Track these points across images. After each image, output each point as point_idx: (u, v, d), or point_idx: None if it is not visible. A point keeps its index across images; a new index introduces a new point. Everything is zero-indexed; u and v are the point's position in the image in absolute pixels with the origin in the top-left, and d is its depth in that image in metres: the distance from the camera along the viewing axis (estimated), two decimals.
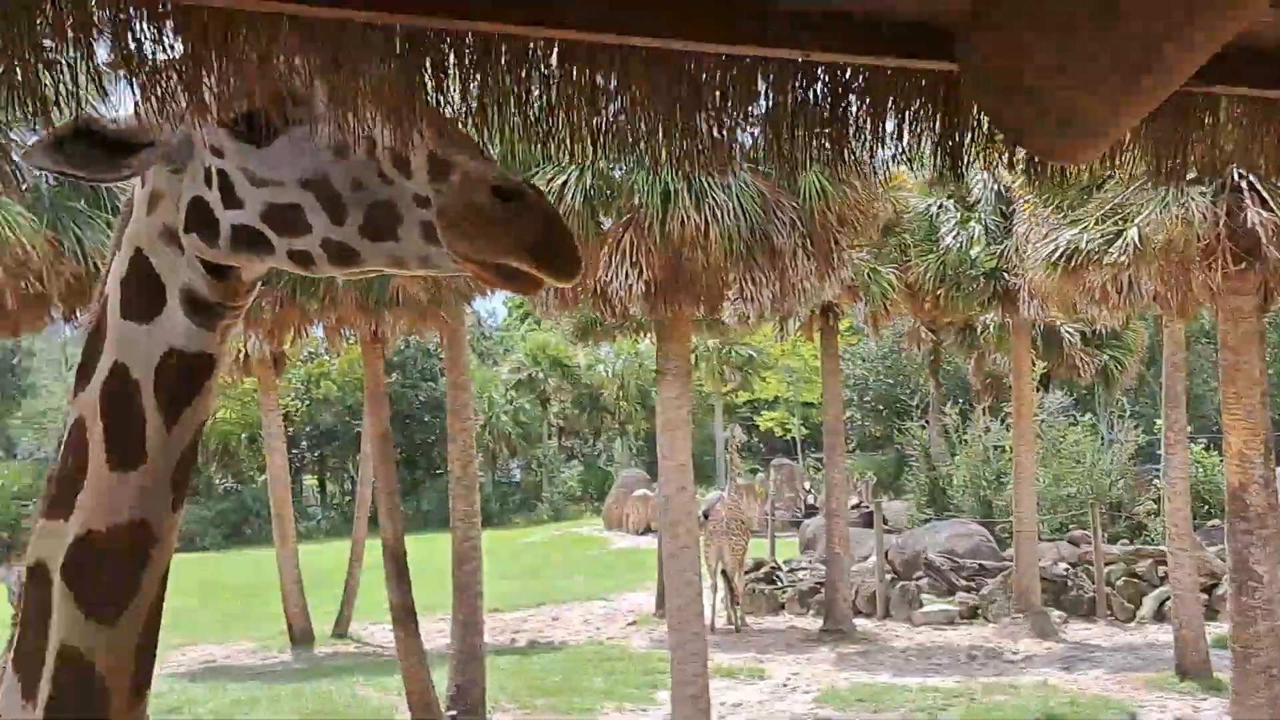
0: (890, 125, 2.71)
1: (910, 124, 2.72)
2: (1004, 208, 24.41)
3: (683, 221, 14.09)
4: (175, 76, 2.41)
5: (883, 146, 2.77)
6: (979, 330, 31.35)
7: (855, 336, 51.68)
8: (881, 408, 59.47)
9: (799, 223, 14.90)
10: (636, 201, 14.39)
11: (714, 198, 14.24)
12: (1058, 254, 14.21)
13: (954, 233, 25.11)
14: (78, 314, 15.25)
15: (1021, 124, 2.34)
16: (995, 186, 24.55)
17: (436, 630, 23.60)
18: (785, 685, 22.34)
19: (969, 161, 2.80)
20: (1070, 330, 28.78)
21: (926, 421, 43.41)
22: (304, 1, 2.35)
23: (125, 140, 2.54)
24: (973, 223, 25.06)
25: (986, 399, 36.23)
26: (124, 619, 2.73)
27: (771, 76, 2.57)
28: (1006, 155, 2.69)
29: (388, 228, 2.38)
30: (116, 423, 2.71)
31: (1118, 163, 2.84)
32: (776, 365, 59.65)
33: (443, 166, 2.32)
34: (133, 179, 2.63)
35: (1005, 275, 24.19)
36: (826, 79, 2.60)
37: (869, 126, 2.69)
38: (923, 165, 2.93)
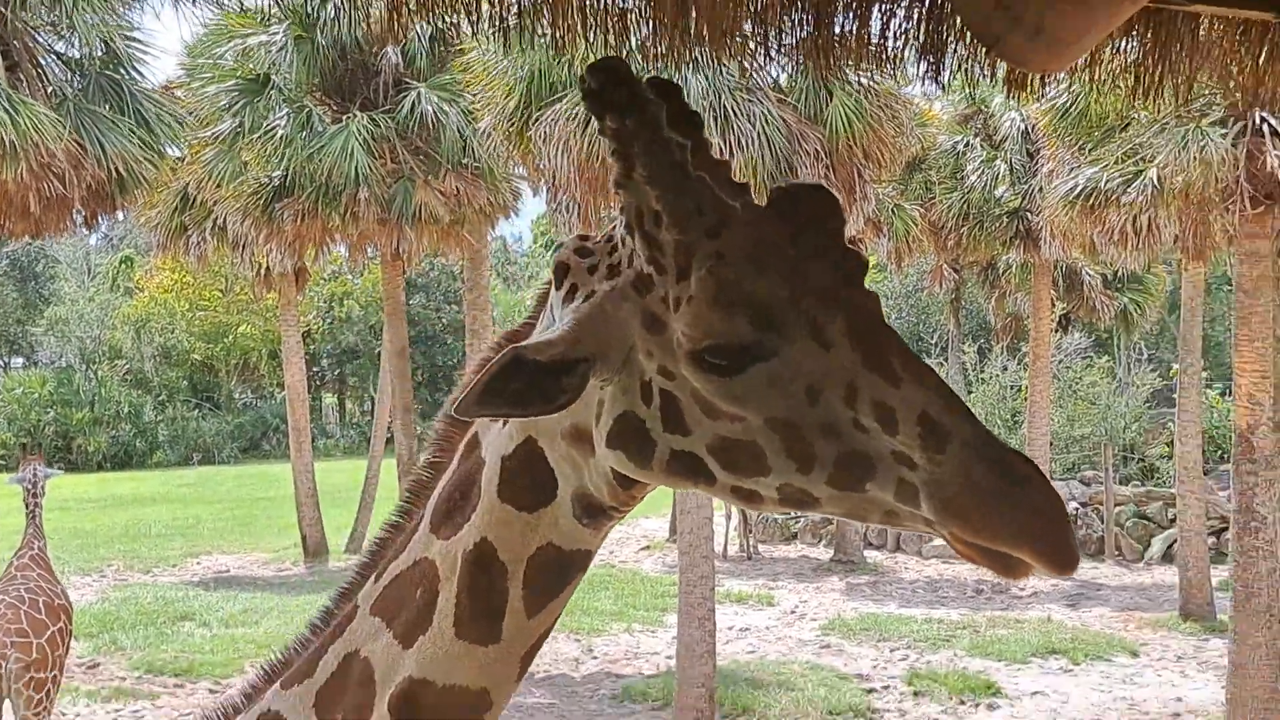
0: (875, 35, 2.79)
1: (895, 33, 2.79)
2: (1030, 147, 24.39)
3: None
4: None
5: (868, 58, 2.84)
6: (1001, 270, 31.37)
7: (881, 274, 51.64)
8: None
9: (823, 155, 14.94)
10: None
11: (739, 126, 14.27)
12: (1076, 192, 14.25)
13: (979, 171, 25.07)
14: (99, 219, 15.34)
15: (997, 33, 2.43)
16: (1022, 125, 24.51)
17: None
18: (793, 613, 22.61)
19: (952, 72, 2.88)
20: (1091, 272, 28.79)
21: (945, 359, 43.46)
22: None
23: (559, 364, 2.30)
24: (998, 161, 25.03)
25: (1005, 338, 36.22)
26: None
27: None
28: (988, 66, 2.76)
29: (858, 481, 2.16)
30: (475, 600, 2.55)
31: (1099, 79, 2.92)
32: None
33: (939, 432, 2.09)
34: (571, 405, 2.33)
35: (1029, 215, 24.18)
36: None
37: (854, 35, 2.76)
38: (904, 74, 3.01)
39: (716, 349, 2.18)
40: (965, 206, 25.21)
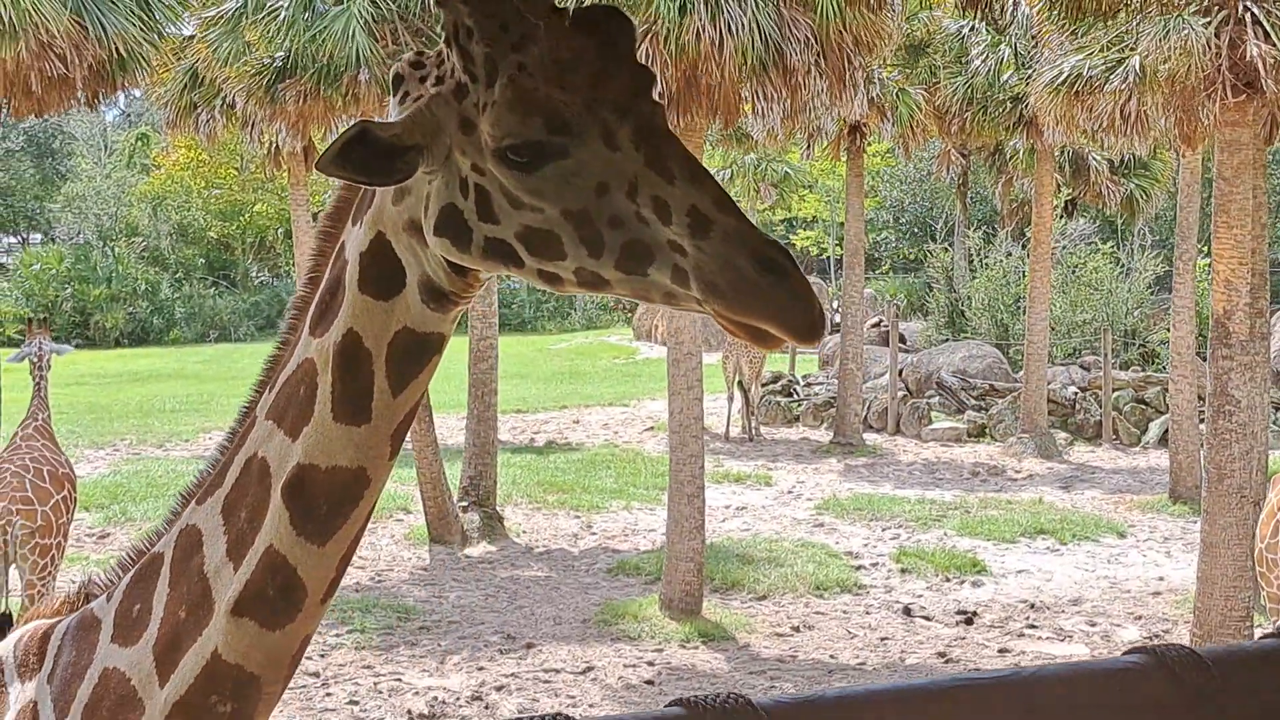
0: None
1: None
2: (1034, 32, 24.34)
3: (698, 34, 14.25)
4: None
5: None
6: (1008, 155, 31.35)
7: (894, 159, 51.61)
8: (916, 230, 59.58)
9: (813, 41, 15.05)
10: (654, 12, 14.53)
11: (730, 12, 14.38)
12: (1061, 79, 14.39)
13: (983, 56, 25.04)
14: (101, 98, 15.55)
15: None
16: (1027, 10, 24.45)
17: (460, 427, 24.27)
18: (790, 492, 23.03)
19: None
20: (1098, 158, 28.77)
21: (951, 244, 43.61)
22: None
23: (396, 145, 2.66)
24: (1002, 46, 24.99)
25: (1011, 223, 36.31)
26: (332, 543, 2.96)
27: None
28: None
29: (640, 265, 2.52)
30: (346, 384, 2.89)
31: None
32: (817, 185, 59.53)
33: (704, 222, 2.45)
34: (404, 182, 2.72)
35: (1031, 100, 24.19)
36: None
37: None
38: None
39: (516, 148, 2.55)
40: (970, 91, 25.21)
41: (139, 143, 68.32)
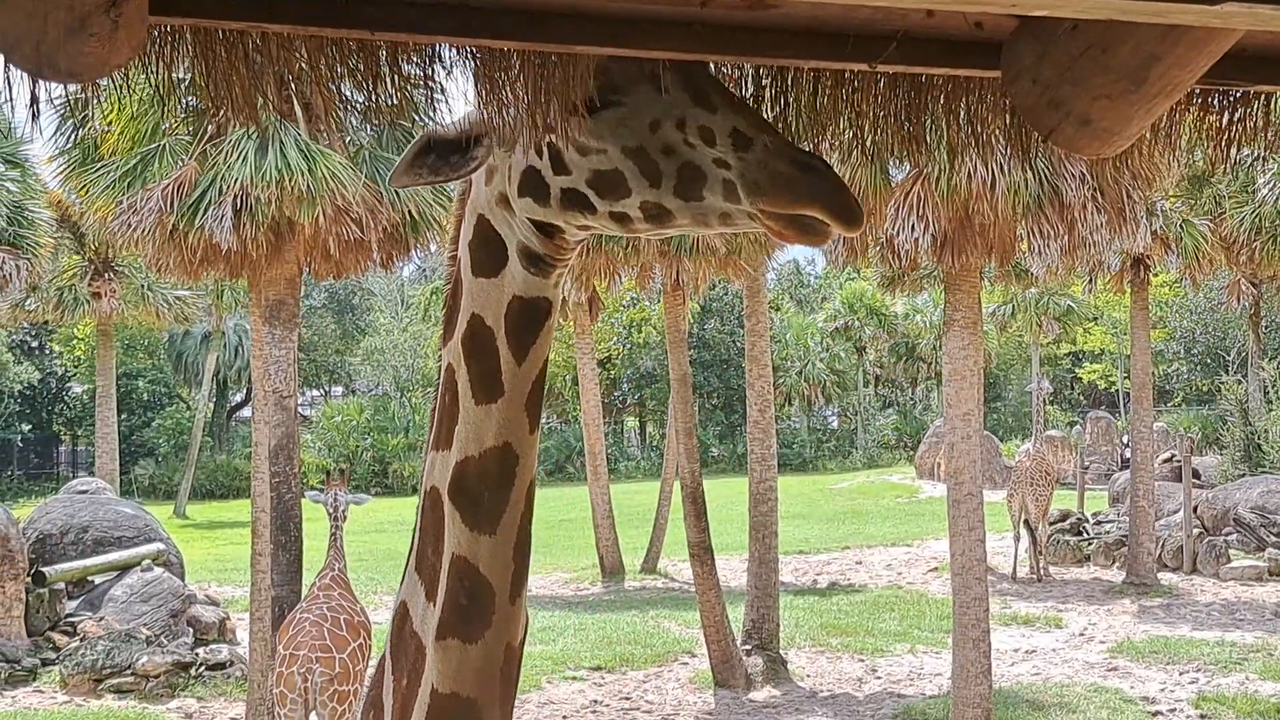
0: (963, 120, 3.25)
1: (982, 120, 3.25)
2: None
3: (969, 175, 14.31)
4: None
5: (961, 132, 3.31)
6: None
7: (1182, 288, 50.37)
8: (1209, 361, 57.78)
9: (1089, 176, 14.95)
10: (925, 154, 14.62)
11: (1001, 148, 14.42)
12: None
13: (1270, 184, 24.41)
14: (394, 259, 16.35)
15: (1050, 125, 2.87)
16: None
17: (742, 569, 24.34)
18: (1081, 635, 22.41)
19: (1037, 149, 3.32)
20: None
21: (1244, 376, 42.10)
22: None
23: (468, 138, 3.13)
24: None
25: None
26: (501, 529, 3.32)
27: (854, 84, 3.18)
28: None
29: (695, 188, 2.88)
30: (477, 364, 3.29)
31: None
32: (1102, 317, 58.43)
33: (744, 140, 2.81)
34: (480, 168, 3.19)
35: None
36: (903, 87, 3.18)
37: (946, 125, 3.25)
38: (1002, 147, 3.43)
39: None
40: (1258, 220, 24.58)
41: (434, 297, 70.85)
